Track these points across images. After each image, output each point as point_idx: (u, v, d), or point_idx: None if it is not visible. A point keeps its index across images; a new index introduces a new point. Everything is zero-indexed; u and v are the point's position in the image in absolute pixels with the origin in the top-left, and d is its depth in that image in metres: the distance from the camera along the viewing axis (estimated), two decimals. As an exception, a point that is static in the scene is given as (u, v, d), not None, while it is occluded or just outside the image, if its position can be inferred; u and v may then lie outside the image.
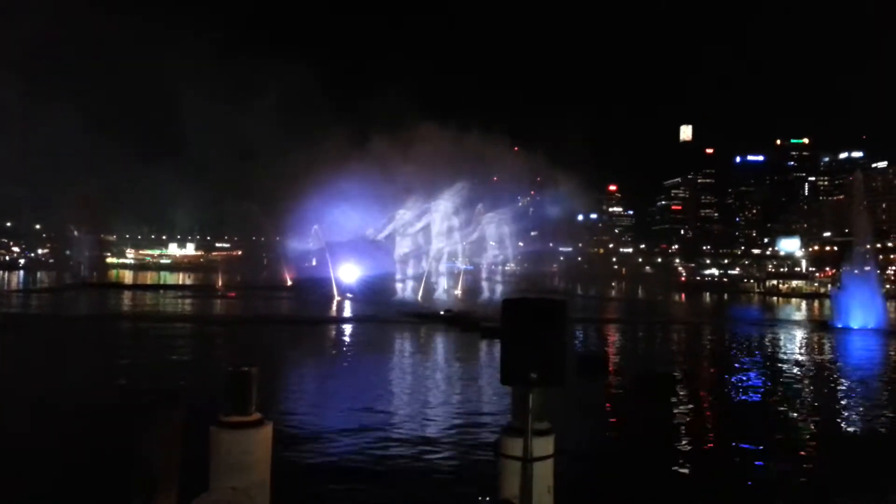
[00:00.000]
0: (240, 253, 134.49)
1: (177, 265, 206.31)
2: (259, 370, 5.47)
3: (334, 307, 68.67)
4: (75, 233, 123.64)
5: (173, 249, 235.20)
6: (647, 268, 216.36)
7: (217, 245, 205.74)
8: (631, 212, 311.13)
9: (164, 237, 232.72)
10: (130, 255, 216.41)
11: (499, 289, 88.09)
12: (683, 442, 17.37)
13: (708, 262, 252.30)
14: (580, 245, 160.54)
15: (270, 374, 22.46)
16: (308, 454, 14.30)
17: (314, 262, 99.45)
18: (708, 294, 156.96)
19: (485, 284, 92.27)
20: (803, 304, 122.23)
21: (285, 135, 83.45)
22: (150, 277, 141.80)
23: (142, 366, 26.60)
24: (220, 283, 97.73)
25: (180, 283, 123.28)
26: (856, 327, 55.62)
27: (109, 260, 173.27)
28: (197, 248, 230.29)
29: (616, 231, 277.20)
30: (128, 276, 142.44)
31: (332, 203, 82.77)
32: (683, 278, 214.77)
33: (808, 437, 18.49)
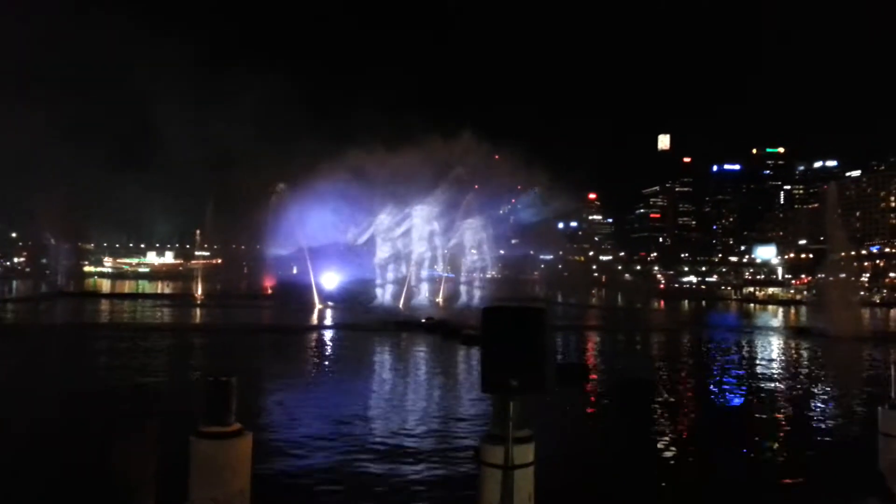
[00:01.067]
0: (219, 261, 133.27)
1: (155, 274, 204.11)
2: (238, 380, 5.46)
3: (315, 315, 68.30)
4: (52, 241, 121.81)
5: (152, 258, 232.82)
6: (627, 275, 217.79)
7: (196, 253, 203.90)
8: (610, 220, 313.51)
9: (142, 245, 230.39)
10: (108, 264, 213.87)
11: (479, 296, 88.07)
12: (663, 448, 17.49)
13: (686, 269, 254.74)
14: (560, 252, 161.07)
15: (250, 383, 22.29)
16: (287, 464, 14.20)
17: (295, 270, 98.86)
18: (686, 301, 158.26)
19: (465, 291, 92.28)
20: (780, 310, 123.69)
21: (265, 141, 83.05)
22: (127, 286, 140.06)
23: (117, 376, 26.27)
24: (199, 292, 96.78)
25: (159, 291, 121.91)
26: (831, 334, 56.35)
27: (87, 268, 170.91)
28: (176, 257, 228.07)
29: (596, 239, 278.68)
30: (105, 285, 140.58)
31: (311, 209, 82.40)
32: (662, 286, 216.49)
33: (786, 440, 18.71)
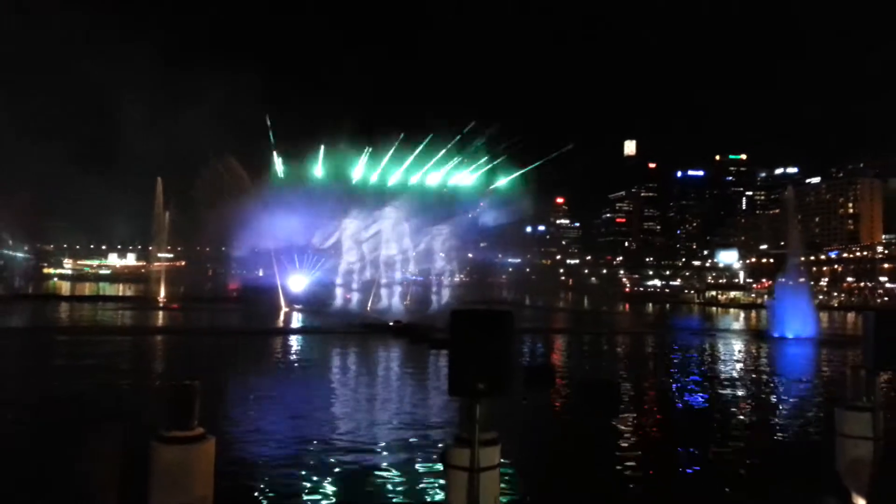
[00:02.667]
0: (183, 263, 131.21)
1: (117, 276, 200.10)
2: (201, 384, 5.36)
3: (281, 318, 67.63)
4: (10, 242, 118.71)
5: (113, 260, 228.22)
6: (593, 279, 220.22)
7: (159, 255, 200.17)
8: (577, 224, 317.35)
9: (103, 247, 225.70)
10: (68, 266, 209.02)
11: (447, 299, 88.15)
12: (629, 448, 17.67)
13: (651, 273, 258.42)
14: (528, 256, 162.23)
15: (213, 387, 21.99)
16: (250, 469, 14.03)
17: (261, 272, 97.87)
18: (651, 304, 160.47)
19: (433, 295, 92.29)
20: (741, 314, 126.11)
21: (229, 142, 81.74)
22: (88, 288, 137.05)
23: (78, 380, 25.67)
24: (162, 295, 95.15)
25: (120, 294, 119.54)
26: (790, 336, 57.69)
27: (46, 270, 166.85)
28: (138, 259, 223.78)
29: (563, 243, 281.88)
30: (65, 288, 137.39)
31: (278, 212, 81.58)
32: (627, 289, 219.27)
33: (746, 440, 19.06)
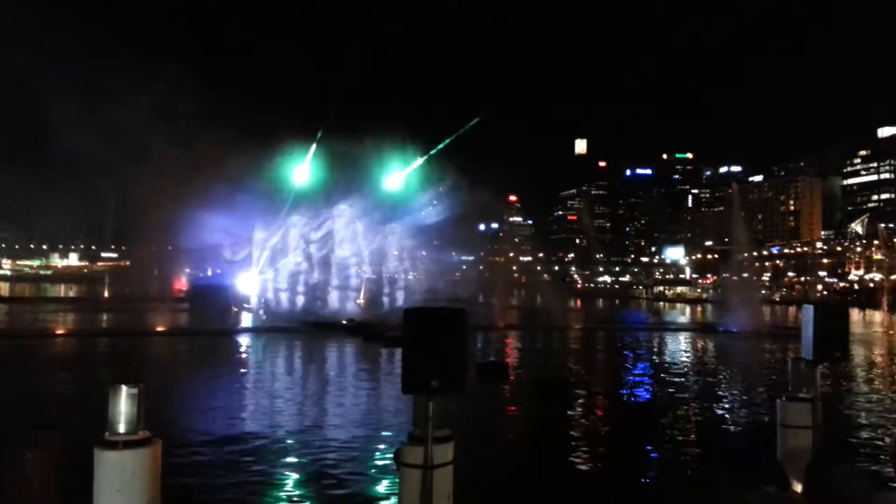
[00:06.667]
0: (127, 263, 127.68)
1: (59, 276, 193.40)
2: (147, 386, 5.23)
3: (230, 318, 66.46)
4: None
5: (55, 260, 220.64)
6: (545, 276, 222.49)
7: (102, 255, 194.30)
8: (530, 221, 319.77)
9: (44, 247, 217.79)
10: (7, 266, 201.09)
11: (401, 298, 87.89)
12: (581, 443, 17.94)
13: (601, 269, 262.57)
14: (481, 254, 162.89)
15: (160, 389, 21.46)
16: (199, 474, 13.76)
17: (209, 272, 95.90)
18: (601, 300, 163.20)
19: (387, 293, 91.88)
20: (687, 308, 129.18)
21: (175, 140, 79.48)
22: (28, 290, 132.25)
23: (16, 384, 24.72)
24: (106, 295, 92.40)
25: (62, 295, 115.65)
26: (735, 330, 59.35)
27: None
28: (81, 259, 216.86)
29: (516, 240, 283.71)
30: (3, 289, 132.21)
31: (224, 210, 79.79)
32: (579, 285, 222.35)
33: (692, 431, 19.56)
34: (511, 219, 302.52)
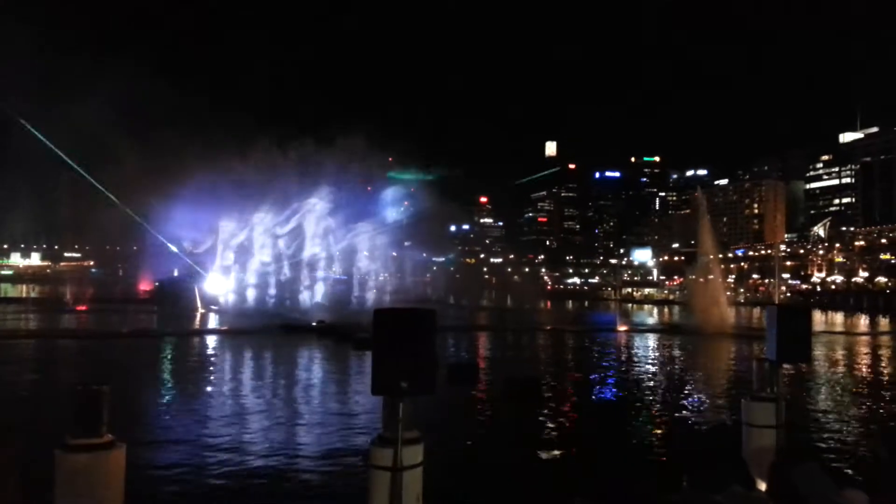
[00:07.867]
0: (91, 263, 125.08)
1: (20, 277, 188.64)
2: (111, 388, 5.12)
3: (198, 319, 65.51)
4: None
5: (16, 259, 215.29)
6: (516, 277, 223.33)
7: (66, 255, 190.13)
8: (501, 223, 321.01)
9: (5, 246, 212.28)
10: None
11: (372, 299, 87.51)
12: (551, 441, 18.05)
13: (571, 271, 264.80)
14: (452, 255, 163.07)
15: (124, 392, 21.11)
16: (165, 478, 13.53)
17: (175, 272, 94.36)
18: (570, 301, 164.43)
19: (357, 294, 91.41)
20: (655, 310, 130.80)
21: (139, 136, 77.87)
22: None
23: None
24: (69, 296, 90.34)
25: (23, 296, 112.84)
26: (702, 331, 60.19)
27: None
28: (43, 258, 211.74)
29: (487, 241, 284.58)
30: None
31: (188, 209, 78.47)
32: (549, 287, 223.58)
33: (659, 430, 19.80)
34: (482, 220, 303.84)
